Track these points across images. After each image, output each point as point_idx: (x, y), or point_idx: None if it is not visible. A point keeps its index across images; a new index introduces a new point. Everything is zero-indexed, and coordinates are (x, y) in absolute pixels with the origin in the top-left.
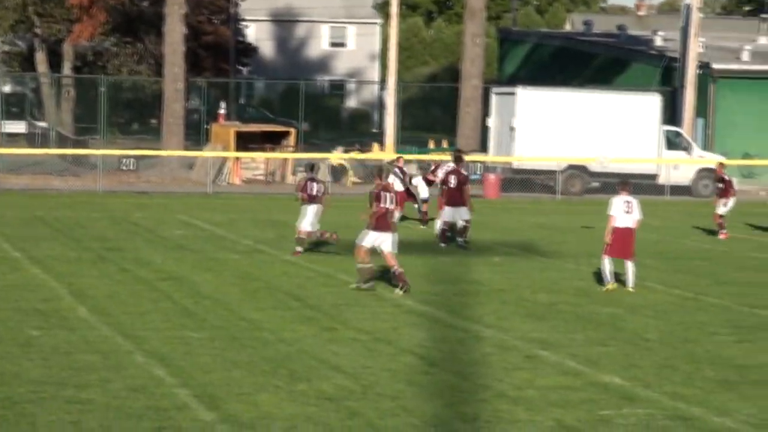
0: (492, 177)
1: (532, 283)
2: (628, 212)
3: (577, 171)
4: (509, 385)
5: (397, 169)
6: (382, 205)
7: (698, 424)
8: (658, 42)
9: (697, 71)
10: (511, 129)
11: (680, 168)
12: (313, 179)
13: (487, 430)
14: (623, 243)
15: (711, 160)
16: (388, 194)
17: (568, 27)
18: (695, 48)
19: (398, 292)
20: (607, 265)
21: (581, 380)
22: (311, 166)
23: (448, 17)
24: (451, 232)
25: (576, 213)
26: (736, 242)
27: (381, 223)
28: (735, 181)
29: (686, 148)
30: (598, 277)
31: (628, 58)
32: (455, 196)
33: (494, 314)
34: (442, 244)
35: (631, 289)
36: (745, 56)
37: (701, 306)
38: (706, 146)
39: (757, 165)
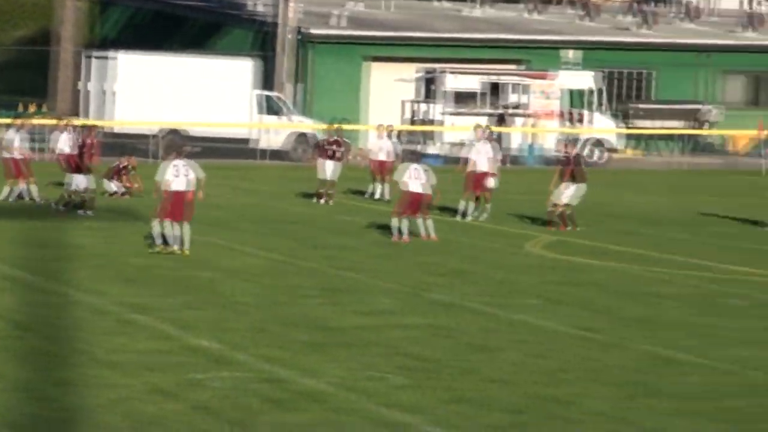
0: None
1: (127, 247)
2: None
3: (176, 135)
4: (103, 350)
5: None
6: None
7: (288, 385)
8: (254, 7)
9: (293, 36)
10: (111, 93)
11: (275, 132)
12: None
13: (79, 394)
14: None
15: (307, 124)
16: None
17: None
18: (291, 13)
19: None
20: (157, 227)
21: (176, 344)
22: None
23: None
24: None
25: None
26: (332, 206)
27: None
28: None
29: (281, 113)
30: (195, 242)
31: (224, 22)
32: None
33: (90, 279)
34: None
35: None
36: (339, 21)
37: (295, 269)
38: (304, 111)
39: (349, 129)
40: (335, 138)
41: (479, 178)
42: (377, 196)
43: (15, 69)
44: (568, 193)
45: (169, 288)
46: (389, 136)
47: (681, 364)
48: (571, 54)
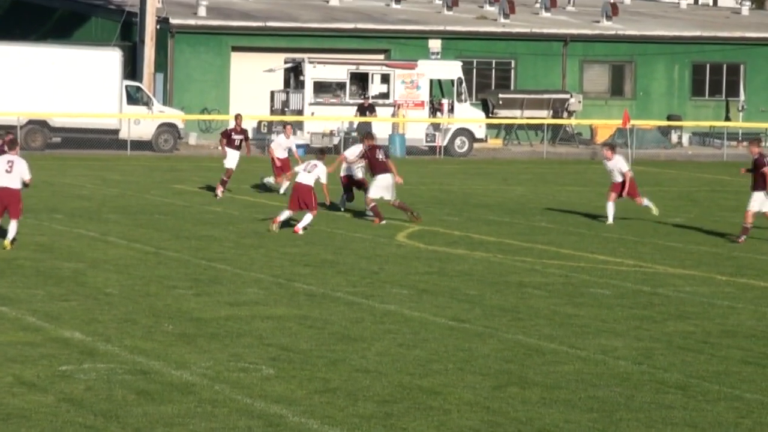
0: None
1: None
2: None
3: (38, 126)
4: None
5: None
6: None
7: (157, 377)
8: None
9: (156, 26)
10: None
11: (141, 123)
12: None
13: None
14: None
15: (171, 114)
16: None
17: None
18: (154, 3)
19: None
20: None
21: (42, 336)
22: None
23: None
24: None
25: (37, 168)
26: (196, 196)
27: None
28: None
29: (147, 103)
30: (61, 233)
31: (87, 12)
32: None
33: None
34: None
35: None
36: (202, 11)
37: (162, 260)
38: (166, 101)
39: (214, 119)
40: (241, 128)
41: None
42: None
43: None
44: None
45: (33, 279)
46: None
47: (549, 353)
48: (436, 44)
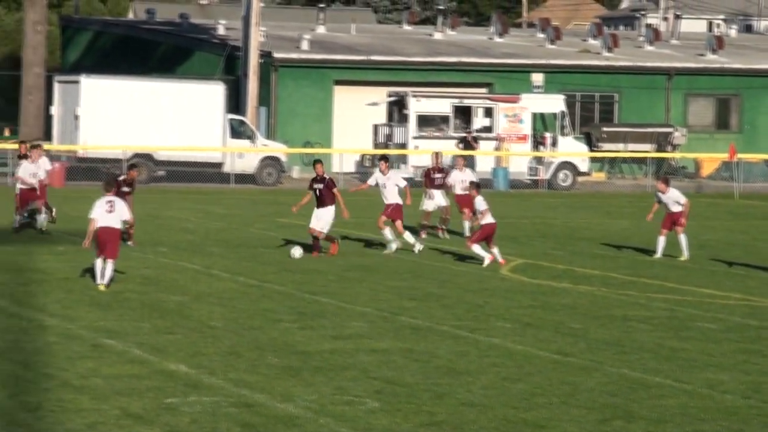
0: (56, 165)
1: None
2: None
3: (143, 159)
4: (74, 374)
5: None
6: None
7: (262, 410)
8: (221, 31)
9: (259, 60)
10: (76, 117)
11: (245, 156)
12: None
13: (50, 420)
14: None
15: (275, 148)
16: None
17: (131, 15)
18: (257, 37)
19: None
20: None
21: (147, 368)
22: None
23: (7, 4)
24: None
25: (142, 201)
26: (298, 229)
27: None
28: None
29: (250, 137)
30: (166, 266)
31: (191, 46)
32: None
33: (59, 303)
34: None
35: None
36: (305, 45)
37: (266, 293)
38: (269, 135)
39: (317, 152)
40: (440, 166)
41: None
42: (466, 233)
43: None
44: None
45: (140, 312)
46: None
47: (654, 387)
48: (538, 77)
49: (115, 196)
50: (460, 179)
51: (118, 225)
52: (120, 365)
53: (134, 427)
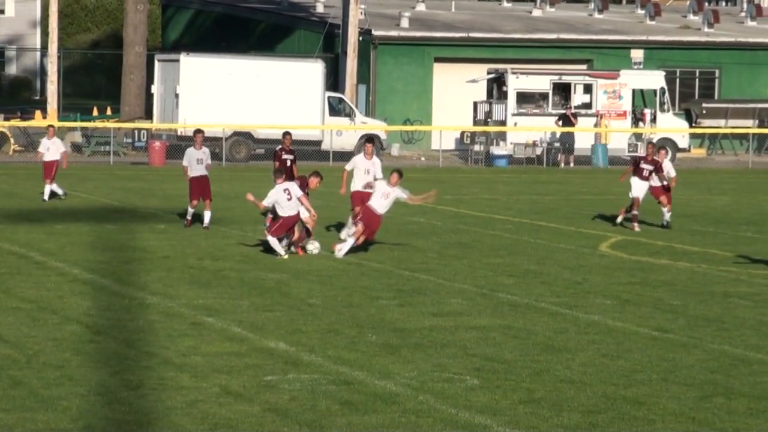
0: (157, 144)
1: (198, 250)
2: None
3: (243, 138)
4: (174, 352)
5: None
6: None
7: (361, 387)
8: (320, 8)
9: (359, 38)
10: (176, 96)
11: (343, 134)
12: None
13: (151, 397)
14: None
15: (374, 125)
16: None
17: None
18: (356, 14)
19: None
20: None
21: (246, 346)
22: None
23: None
24: None
25: (241, 179)
26: (397, 206)
27: None
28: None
29: (349, 114)
30: (266, 244)
31: (290, 24)
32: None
33: (160, 281)
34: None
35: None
36: (405, 23)
37: (364, 271)
38: (368, 112)
39: (417, 130)
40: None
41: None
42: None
43: (87, 73)
44: None
45: (239, 290)
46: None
47: (755, 363)
48: (638, 53)
49: (289, 182)
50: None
51: (297, 210)
52: (219, 343)
53: (234, 405)
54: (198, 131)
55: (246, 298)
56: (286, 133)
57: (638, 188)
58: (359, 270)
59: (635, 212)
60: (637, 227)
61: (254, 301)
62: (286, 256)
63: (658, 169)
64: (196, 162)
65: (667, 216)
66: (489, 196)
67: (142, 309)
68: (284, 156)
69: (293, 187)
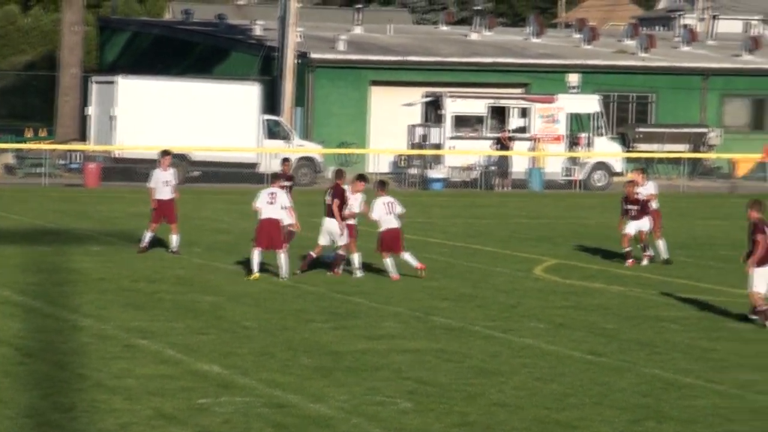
0: (92, 166)
1: (133, 273)
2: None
3: (178, 160)
4: (107, 375)
5: None
6: None
7: (294, 410)
8: (258, 31)
9: (296, 60)
10: (112, 118)
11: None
12: None
13: (84, 420)
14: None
15: (310, 148)
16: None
17: (168, 16)
18: (293, 37)
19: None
20: (256, 257)
21: (180, 369)
22: None
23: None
24: None
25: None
26: None
27: None
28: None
29: (286, 137)
30: (200, 266)
31: (228, 47)
32: None
33: (93, 304)
34: None
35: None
36: (341, 46)
37: (299, 294)
38: (305, 135)
39: (353, 153)
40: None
41: None
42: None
43: (21, 94)
44: None
45: (174, 313)
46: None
47: (685, 387)
48: (574, 78)
49: (277, 188)
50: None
51: (279, 216)
52: (153, 365)
53: (167, 428)
54: (165, 152)
55: (180, 321)
56: (285, 160)
57: (630, 227)
58: (294, 293)
59: (627, 249)
60: (644, 261)
61: (189, 323)
62: (257, 276)
63: (643, 205)
64: (162, 184)
65: (663, 250)
66: (424, 219)
67: (75, 331)
68: (283, 183)
69: (278, 191)
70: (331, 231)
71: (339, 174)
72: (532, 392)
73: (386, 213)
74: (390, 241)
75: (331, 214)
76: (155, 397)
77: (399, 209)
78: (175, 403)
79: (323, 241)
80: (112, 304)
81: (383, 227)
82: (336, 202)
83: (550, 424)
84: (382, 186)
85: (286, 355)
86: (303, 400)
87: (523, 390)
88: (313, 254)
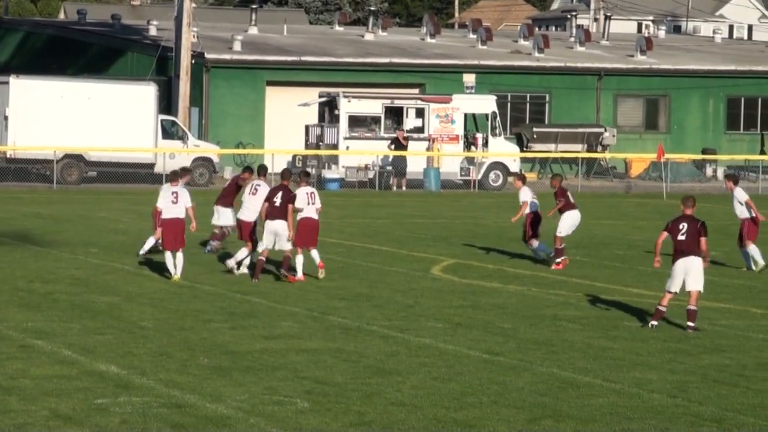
0: None
1: (28, 273)
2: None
3: (74, 160)
4: (2, 375)
5: None
6: None
7: (192, 410)
8: (153, 31)
9: (191, 61)
10: (4, 118)
11: (176, 157)
12: None
13: None
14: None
15: (207, 149)
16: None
17: (62, 16)
18: (188, 38)
19: None
20: (169, 259)
21: (77, 369)
22: None
23: None
24: None
25: (73, 202)
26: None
27: None
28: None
29: (182, 138)
30: (96, 267)
31: (123, 47)
32: None
33: None
34: None
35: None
36: (237, 46)
37: (197, 294)
38: (202, 135)
39: (250, 153)
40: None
41: None
42: None
43: None
44: None
45: (70, 313)
46: None
47: (583, 386)
48: (470, 78)
49: (179, 187)
50: None
51: (182, 215)
52: (49, 366)
53: (64, 428)
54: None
55: (77, 321)
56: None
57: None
58: (191, 293)
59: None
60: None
61: (85, 324)
62: (177, 277)
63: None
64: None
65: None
66: (321, 219)
67: None
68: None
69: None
70: (278, 232)
71: (286, 174)
72: (430, 391)
73: (307, 203)
74: (307, 233)
75: (276, 216)
76: (52, 397)
77: (318, 203)
78: (72, 403)
79: (268, 243)
80: (7, 304)
81: (303, 215)
82: (291, 206)
83: (448, 423)
84: (305, 176)
85: (184, 355)
86: (201, 400)
87: (420, 389)
88: (263, 258)
